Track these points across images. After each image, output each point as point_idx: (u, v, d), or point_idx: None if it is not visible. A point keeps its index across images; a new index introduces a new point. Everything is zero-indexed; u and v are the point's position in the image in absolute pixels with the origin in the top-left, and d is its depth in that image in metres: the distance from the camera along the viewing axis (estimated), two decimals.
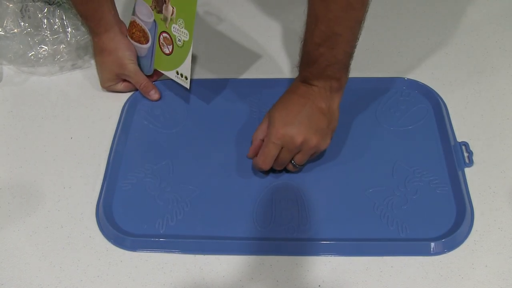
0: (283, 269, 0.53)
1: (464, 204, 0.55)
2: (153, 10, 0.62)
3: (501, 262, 0.52)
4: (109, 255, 0.54)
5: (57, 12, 0.69)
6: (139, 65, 0.67)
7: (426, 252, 0.53)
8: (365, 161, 0.61)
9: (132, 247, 0.55)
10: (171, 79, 0.66)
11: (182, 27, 0.59)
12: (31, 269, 0.54)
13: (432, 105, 0.66)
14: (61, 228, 0.57)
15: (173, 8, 0.59)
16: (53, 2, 0.69)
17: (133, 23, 0.65)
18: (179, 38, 0.60)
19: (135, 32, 0.65)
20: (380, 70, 0.71)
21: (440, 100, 0.66)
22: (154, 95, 0.68)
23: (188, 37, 0.59)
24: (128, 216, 0.57)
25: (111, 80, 0.67)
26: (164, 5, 0.60)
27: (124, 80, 0.68)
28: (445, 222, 0.55)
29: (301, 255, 0.53)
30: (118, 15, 0.66)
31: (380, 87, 0.68)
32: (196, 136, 0.64)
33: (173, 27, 0.60)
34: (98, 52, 0.66)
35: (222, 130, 0.64)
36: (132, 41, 0.66)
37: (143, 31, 0.64)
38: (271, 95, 0.60)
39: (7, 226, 0.57)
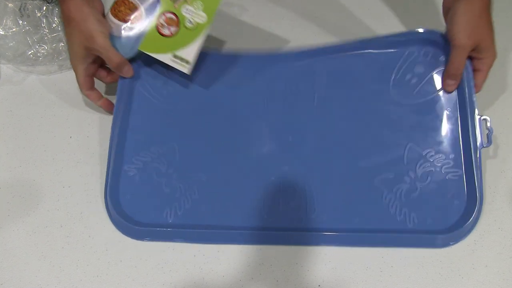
0: (283, 269, 0.53)
1: (475, 194, 0.53)
2: None
3: (501, 262, 0.52)
4: (108, 255, 0.54)
5: (56, 10, 0.69)
6: (113, 45, 0.61)
7: (433, 245, 0.53)
8: (376, 144, 0.57)
9: (141, 236, 0.55)
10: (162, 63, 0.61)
11: (199, 10, 0.59)
12: (30, 268, 0.54)
13: None
14: (60, 227, 0.57)
15: None
16: (51, 1, 0.69)
17: (122, 1, 0.62)
18: (191, 20, 0.59)
19: (122, 10, 0.62)
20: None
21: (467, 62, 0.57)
22: (128, 71, 0.61)
23: (205, 20, 0.59)
24: (136, 203, 0.57)
25: (81, 56, 0.60)
26: None
27: (101, 67, 0.63)
28: (454, 212, 0.54)
29: (308, 245, 0.54)
30: None
31: (394, 47, 0.60)
32: (202, 115, 0.61)
33: (185, 8, 0.60)
34: (65, 22, 0.60)
35: (228, 110, 0.61)
36: (115, 20, 0.61)
37: (135, 8, 0.62)
38: (276, 70, 0.60)
39: (6, 226, 0.57)
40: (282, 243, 0.54)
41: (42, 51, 0.69)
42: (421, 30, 0.60)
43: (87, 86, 0.62)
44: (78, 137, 0.64)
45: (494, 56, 0.56)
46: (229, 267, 0.53)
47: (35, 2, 0.68)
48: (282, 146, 0.58)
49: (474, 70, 0.57)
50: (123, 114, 0.60)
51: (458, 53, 0.56)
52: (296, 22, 0.73)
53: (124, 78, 0.62)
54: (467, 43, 0.54)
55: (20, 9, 0.68)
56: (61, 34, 0.69)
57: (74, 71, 0.61)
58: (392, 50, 0.60)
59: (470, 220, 0.53)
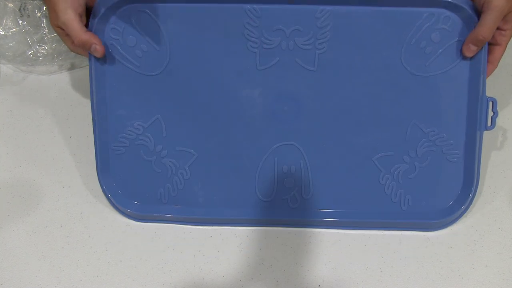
0: (283, 269, 0.53)
1: (473, 177, 0.53)
2: None
3: (501, 262, 0.52)
4: (108, 255, 0.54)
5: None
6: None
7: (426, 228, 0.54)
8: (378, 119, 0.54)
9: (143, 217, 0.57)
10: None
11: None
12: (30, 268, 0.54)
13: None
14: (60, 227, 0.57)
15: None
16: None
17: None
18: None
19: None
20: None
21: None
22: (96, 48, 0.52)
23: None
24: (129, 185, 0.56)
25: (59, 34, 0.54)
26: None
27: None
28: (449, 196, 0.54)
29: (301, 228, 0.55)
30: None
31: (413, 5, 0.51)
32: (184, 81, 0.54)
33: None
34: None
35: (214, 73, 0.54)
36: None
37: None
38: (271, 20, 0.51)
39: (6, 226, 0.57)
40: (276, 224, 0.55)
41: (42, 51, 0.69)
42: None
43: (84, 29, 0.52)
44: (78, 137, 0.64)
45: None
46: (229, 267, 0.53)
47: (35, 2, 0.68)
48: (277, 117, 0.54)
49: (493, 44, 0.52)
50: (97, 87, 0.55)
51: (493, 16, 0.49)
52: None
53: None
54: (505, 6, 0.49)
55: (20, 9, 0.68)
56: None
57: (66, 26, 0.52)
58: (410, 9, 0.51)
59: (465, 204, 0.53)
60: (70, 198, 0.59)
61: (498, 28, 0.51)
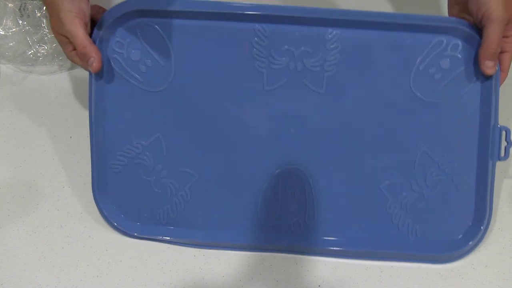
0: (283, 269, 0.53)
1: (485, 209, 0.51)
2: None
3: (501, 262, 0.52)
4: (108, 255, 0.54)
5: None
6: None
7: (434, 261, 0.52)
8: (387, 145, 0.52)
9: (140, 233, 0.55)
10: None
11: None
12: (30, 268, 0.54)
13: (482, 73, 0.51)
14: (60, 227, 0.57)
15: None
16: None
17: None
18: None
19: None
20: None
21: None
22: (92, 64, 0.51)
23: None
24: (127, 204, 0.55)
25: (62, 42, 0.53)
26: None
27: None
28: (459, 228, 0.52)
29: (304, 255, 0.53)
30: None
31: (423, 31, 0.50)
32: (187, 99, 0.53)
33: None
34: (45, 4, 0.54)
35: (220, 92, 0.52)
36: None
37: None
38: (279, 37, 0.50)
39: (6, 226, 0.57)
40: (278, 251, 0.53)
41: (42, 51, 0.69)
42: (454, 18, 0.52)
43: (89, 39, 0.51)
44: (78, 137, 0.64)
45: None
46: (229, 267, 0.53)
47: (35, 2, 0.68)
48: (283, 140, 0.52)
49: (501, 53, 0.51)
50: (96, 100, 0.53)
51: (496, 27, 0.49)
52: None
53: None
54: (504, 15, 0.49)
55: (20, 9, 0.68)
56: None
57: (71, 34, 0.51)
58: (420, 34, 0.50)
59: (476, 238, 0.51)
60: (70, 198, 0.59)
61: (503, 36, 0.50)
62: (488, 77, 0.50)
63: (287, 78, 0.51)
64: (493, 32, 0.49)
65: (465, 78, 0.51)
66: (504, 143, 0.52)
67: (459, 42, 0.50)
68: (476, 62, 0.50)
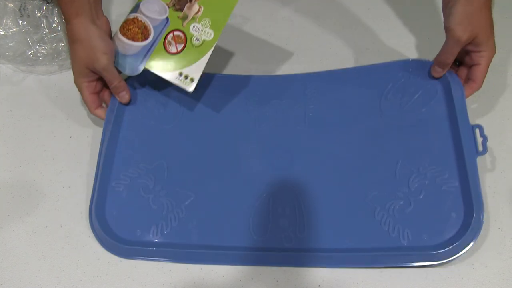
0: (283, 269, 0.53)
1: (472, 203, 0.52)
2: (169, 8, 0.62)
3: (501, 262, 0.52)
4: (108, 255, 0.54)
5: (56, 10, 0.69)
6: (119, 63, 0.62)
7: (430, 260, 0.51)
8: (366, 164, 0.57)
9: (126, 255, 0.54)
10: (167, 81, 0.61)
11: (207, 27, 0.59)
12: (30, 268, 0.54)
13: (443, 85, 0.60)
14: (60, 227, 0.57)
15: (200, 7, 0.60)
16: (51, 1, 0.69)
17: (132, 20, 0.63)
18: (198, 37, 0.60)
19: (131, 28, 0.63)
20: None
21: (450, 77, 0.59)
22: (124, 96, 0.61)
23: (212, 36, 0.59)
24: (122, 220, 0.55)
25: (83, 75, 0.60)
26: (188, 4, 0.60)
27: (104, 88, 0.63)
28: (451, 226, 0.52)
29: (298, 267, 0.53)
30: (99, 5, 0.61)
31: (384, 74, 0.63)
32: (191, 135, 0.61)
33: (193, 26, 0.60)
34: (70, 41, 0.60)
35: (218, 130, 0.62)
36: (123, 38, 0.62)
37: (145, 27, 0.63)
38: (268, 93, 0.63)
39: (6, 226, 0.57)
40: (271, 264, 0.53)
41: (42, 51, 0.69)
42: (411, 59, 0.63)
43: (94, 105, 0.61)
44: (78, 137, 0.64)
45: (493, 50, 0.56)
46: (229, 267, 0.53)
47: (35, 2, 0.68)
48: (272, 165, 0.58)
49: (473, 65, 0.57)
50: (112, 129, 0.60)
51: (451, 46, 0.56)
52: (298, 30, 0.73)
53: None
54: (462, 36, 0.55)
55: (20, 9, 0.68)
56: (61, 34, 0.69)
57: (79, 90, 0.61)
58: (383, 74, 0.63)
59: (468, 232, 0.51)
60: (70, 198, 0.59)
61: (473, 51, 0.57)
62: (447, 87, 0.59)
63: (275, 118, 0.62)
64: (448, 47, 0.57)
65: (430, 93, 0.60)
66: (480, 139, 0.55)
67: (418, 72, 0.62)
68: (435, 81, 0.60)
